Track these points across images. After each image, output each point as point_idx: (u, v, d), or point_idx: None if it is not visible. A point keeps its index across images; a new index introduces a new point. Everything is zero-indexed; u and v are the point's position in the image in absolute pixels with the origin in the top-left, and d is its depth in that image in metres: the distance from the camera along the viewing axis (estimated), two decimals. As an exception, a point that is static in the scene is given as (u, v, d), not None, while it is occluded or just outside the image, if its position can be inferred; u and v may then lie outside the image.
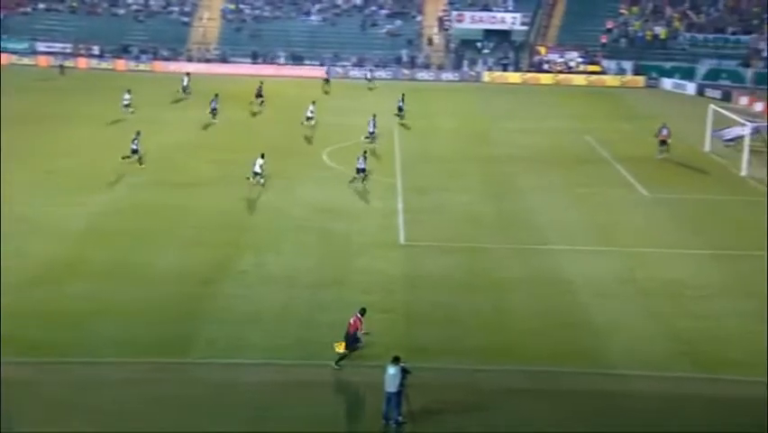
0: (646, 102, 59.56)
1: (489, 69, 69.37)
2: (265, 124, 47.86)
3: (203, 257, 27.06)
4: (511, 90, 59.92)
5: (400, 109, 49.10)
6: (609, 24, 72.15)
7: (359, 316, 20.52)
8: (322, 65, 69.25)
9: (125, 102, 47.53)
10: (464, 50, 72.46)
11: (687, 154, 42.01)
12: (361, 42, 72.15)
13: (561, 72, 67.97)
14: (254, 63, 69.55)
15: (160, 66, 68.45)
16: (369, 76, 63.61)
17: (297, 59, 70.30)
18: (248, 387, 19.68)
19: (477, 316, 23.53)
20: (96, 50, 69.56)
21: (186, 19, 73.53)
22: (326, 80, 60.37)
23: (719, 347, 21.68)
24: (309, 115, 46.03)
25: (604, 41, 71.15)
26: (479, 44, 72.29)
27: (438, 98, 58.07)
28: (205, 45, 71.55)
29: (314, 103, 47.06)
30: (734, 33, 68.58)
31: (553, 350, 21.59)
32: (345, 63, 69.60)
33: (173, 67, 68.07)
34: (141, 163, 36.91)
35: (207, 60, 70.13)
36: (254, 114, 50.39)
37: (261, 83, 53.04)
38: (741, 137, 41.02)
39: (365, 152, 36.49)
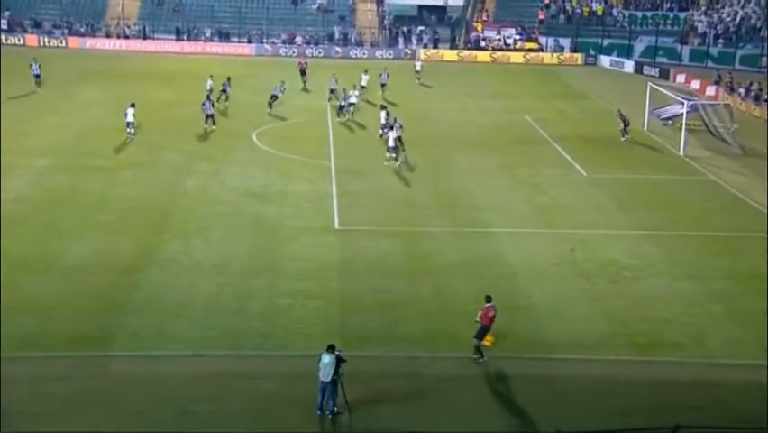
0: (585, 80, 60.49)
1: (425, 47, 69.49)
2: (189, 105, 46.99)
3: (125, 245, 26.51)
4: (448, 68, 60.05)
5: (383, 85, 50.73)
6: (546, 0, 72.96)
7: None
8: (250, 41, 68.40)
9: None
10: (398, 26, 72.35)
11: (625, 133, 42.80)
12: (292, 18, 71.48)
13: (498, 50, 68.53)
14: (178, 40, 68.38)
15: (75, 42, 66.66)
16: (418, 67, 57.95)
17: (223, 36, 69.33)
18: (174, 380, 19.37)
19: (415, 301, 23.61)
20: (3, 23, 67.28)
21: (102, -8, 71.88)
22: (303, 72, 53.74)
23: (658, 329, 22.20)
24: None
25: (542, 17, 71.94)
26: (408, 24, 72.22)
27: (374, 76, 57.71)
28: (125, 20, 69.90)
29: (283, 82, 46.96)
30: (670, 9, 70.12)
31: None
32: (275, 41, 68.95)
33: (90, 43, 66.51)
34: None
35: (127, 37, 68.64)
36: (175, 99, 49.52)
37: (228, 78, 47.13)
38: (679, 115, 42.03)
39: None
